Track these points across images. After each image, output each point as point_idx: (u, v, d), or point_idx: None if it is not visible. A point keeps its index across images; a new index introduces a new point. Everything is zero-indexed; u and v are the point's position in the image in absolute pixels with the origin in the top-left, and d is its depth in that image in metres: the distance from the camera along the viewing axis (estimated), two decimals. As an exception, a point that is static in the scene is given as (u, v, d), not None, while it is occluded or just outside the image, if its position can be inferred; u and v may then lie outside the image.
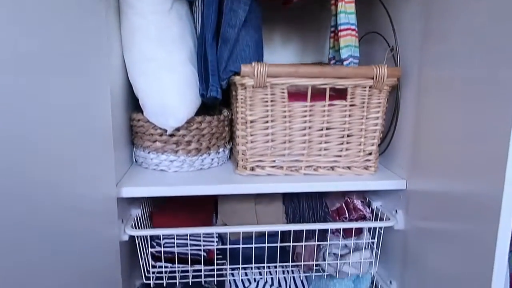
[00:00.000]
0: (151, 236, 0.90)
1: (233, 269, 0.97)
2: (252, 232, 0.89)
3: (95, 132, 0.70)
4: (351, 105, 0.86)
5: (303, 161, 0.88)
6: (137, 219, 0.89)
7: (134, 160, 0.97)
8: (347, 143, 0.88)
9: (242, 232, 0.89)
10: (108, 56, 0.77)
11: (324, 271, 0.94)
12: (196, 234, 0.90)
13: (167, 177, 0.88)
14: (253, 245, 0.88)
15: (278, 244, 0.89)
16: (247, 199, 0.96)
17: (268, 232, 0.89)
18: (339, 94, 0.87)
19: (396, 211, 0.90)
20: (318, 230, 0.89)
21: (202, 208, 0.99)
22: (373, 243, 0.95)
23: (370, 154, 0.89)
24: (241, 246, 0.88)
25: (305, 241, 0.90)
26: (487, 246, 0.61)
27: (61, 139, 0.56)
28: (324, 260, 0.93)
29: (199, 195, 0.82)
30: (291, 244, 0.90)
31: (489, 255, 0.61)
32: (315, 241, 0.91)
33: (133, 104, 0.93)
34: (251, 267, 0.93)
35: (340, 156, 0.89)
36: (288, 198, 0.98)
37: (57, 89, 0.55)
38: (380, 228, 0.92)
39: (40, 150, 0.51)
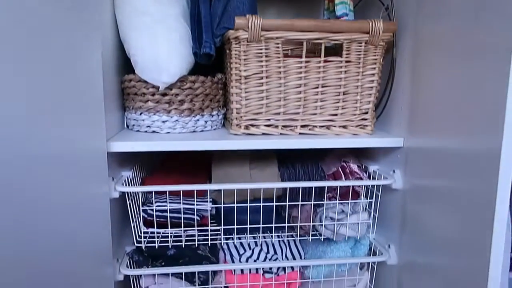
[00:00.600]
0: (142, 198, 0.87)
1: (227, 235, 0.94)
2: (247, 196, 0.87)
3: (85, 89, 0.68)
4: (346, 62, 0.85)
5: (299, 120, 0.87)
6: (128, 181, 0.87)
7: (125, 125, 0.95)
8: (343, 101, 0.87)
9: (236, 196, 0.87)
10: (99, 12, 0.76)
11: (321, 234, 0.91)
12: (189, 198, 0.87)
13: (159, 137, 0.85)
14: (248, 204, 0.86)
15: (274, 204, 0.87)
16: (241, 164, 0.94)
17: (263, 197, 0.87)
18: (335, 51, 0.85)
19: (394, 171, 0.89)
20: (315, 194, 0.87)
21: (195, 174, 0.97)
22: (370, 205, 0.93)
23: (366, 113, 0.88)
24: (235, 205, 0.85)
25: (302, 202, 0.88)
26: (486, 203, 0.60)
27: (50, 94, 0.55)
28: (321, 223, 0.91)
29: (192, 152, 0.80)
30: (286, 203, 0.87)
31: (488, 213, 0.60)
32: (311, 203, 0.88)
33: (125, 69, 0.91)
34: (246, 232, 0.90)
35: (336, 115, 0.87)
36: (283, 164, 0.96)
37: (46, 46, 0.54)
38: (378, 189, 0.90)
39: (30, 104, 0.50)
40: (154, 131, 0.89)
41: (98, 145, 0.73)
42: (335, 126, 0.88)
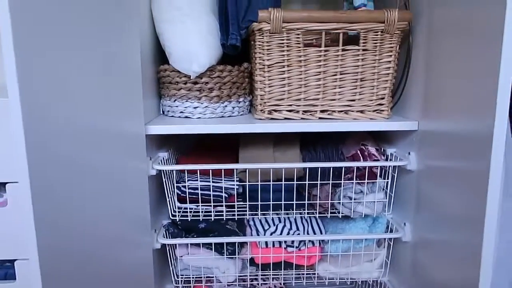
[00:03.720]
0: (177, 176, 0.97)
1: (253, 210, 1.03)
2: (270, 176, 0.94)
3: (127, 78, 0.78)
4: (363, 50, 0.90)
5: (318, 105, 0.93)
6: (164, 162, 0.97)
7: (161, 111, 1.04)
8: (360, 87, 0.92)
9: (260, 176, 0.95)
10: (137, 7, 0.85)
11: (339, 212, 0.98)
12: (218, 177, 0.96)
13: (191, 122, 0.95)
14: (271, 183, 0.94)
15: (295, 182, 0.94)
16: (266, 146, 1.02)
17: (285, 177, 0.94)
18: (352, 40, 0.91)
19: (409, 153, 0.94)
20: (334, 175, 0.93)
21: (224, 155, 1.05)
22: (386, 184, 0.98)
23: (383, 98, 0.93)
24: (259, 183, 0.93)
25: (321, 181, 0.95)
26: (492, 183, 0.64)
27: (95, 84, 0.64)
28: (339, 201, 0.98)
29: (221, 137, 0.89)
30: (306, 182, 0.95)
31: (494, 191, 0.64)
32: (330, 183, 0.95)
33: (160, 60, 1.00)
34: (269, 210, 0.98)
35: (353, 100, 0.93)
36: (305, 147, 1.03)
37: (96, 37, 0.63)
38: (394, 170, 0.96)
39: (77, 94, 0.60)
40: (186, 117, 0.98)
41: (137, 128, 0.83)
42: (353, 111, 0.94)
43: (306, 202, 0.99)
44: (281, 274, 1.06)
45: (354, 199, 0.96)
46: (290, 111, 0.94)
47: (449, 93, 0.77)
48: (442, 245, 0.82)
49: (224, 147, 1.12)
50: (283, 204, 0.97)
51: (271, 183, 0.95)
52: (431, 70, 0.85)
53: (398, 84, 0.99)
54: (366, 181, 0.96)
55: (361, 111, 0.94)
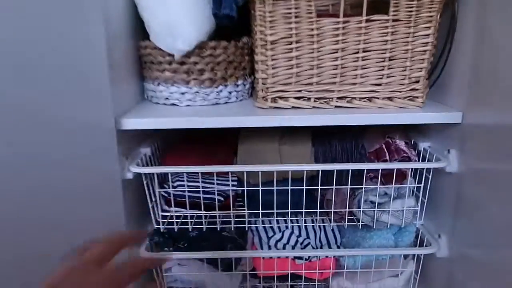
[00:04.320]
0: (160, 178, 0.81)
1: (254, 217, 0.86)
2: (274, 175, 0.78)
3: (82, 58, 0.61)
4: (394, 21, 0.70)
5: (335, 91, 0.74)
6: (146, 159, 0.80)
7: (146, 96, 0.87)
8: (389, 68, 0.73)
9: (264, 176, 0.78)
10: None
11: (358, 221, 0.81)
12: (212, 177, 0.79)
13: (178, 111, 0.77)
14: (274, 188, 0.77)
15: (304, 187, 0.76)
16: (270, 139, 0.84)
17: (293, 175, 0.77)
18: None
19: (448, 151, 0.75)
20: (352, 172, 0.76)
21: (221, 147, 0.89)
22: (418, 189, 0.80)
23: (417, 82, 0.74)
24: (260, 188, 0.76)
25: (336, 186, 0.77)
26: None
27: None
28: (359, 208, 0.80)
29: (213, 130, 0.72)
30: (319, 187, 0.77)
31: None
32: (348, 186, 0.77)
33: (143, 33, 0.82)
34: (273, 215, 0.81)
35: (379, 84, 0.74)
36: (318, 139, 0.85)
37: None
38: (428, 171, 0.77)
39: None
40: (173, 104, 0.81)
41: (104, 122, 0.66)
42: (378, 98, 0.75)
43: (318, 210, 0.81)
44: (287, 288, 0.91)
45: (378, 205, 0.79)
46: (299, 98, 0.75)
47: (510, 75, 0.58)
48: (489, 264, 0.65)
49: (221, 134, 0.94)
50: (289, 212, 0.80)
51: (274, 188, 0.77)
52: (483, 45, 0.65)
53: (436, 62, 0.78)
54: (393, 185, 0.77)
55: (389, 98, 0.75)
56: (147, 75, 0.83)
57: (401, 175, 0.80)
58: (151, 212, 0.79)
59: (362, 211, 0.79)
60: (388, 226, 0.80)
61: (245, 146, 0.85)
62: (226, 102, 0.82)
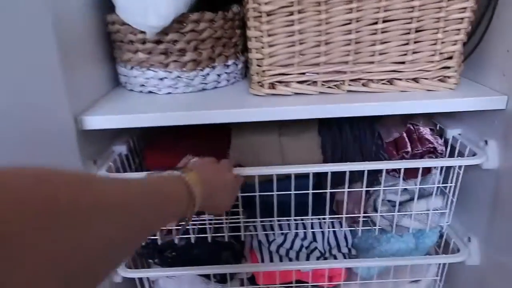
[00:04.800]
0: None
1: (250, 221, 0.73)
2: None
3: (25, 44, 0.46)
4: (423, -20, 0.55)
5: (347, 72, 0.60)
6: (121, 160, 0.67)
7: (120, 81, 0.73)
8: (415, 42, 0.58)
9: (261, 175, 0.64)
10: None
11: (375, 224, 0.69)
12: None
13: (155, 101, 0.63)
14: (275, 193, 0.64)
15: (310, 191, 0.64)
16: (268, 130, 0.71)
17: (295, 173, 0.64)
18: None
19: (486, 142, 0.62)
20: (368, 171, 0.63)
21: (210, 145, 0.75)
22: (446, 187, 0.67)
23: (451, 58, 0.59)
24: (257, 194, 0.64)
25: (349, 185, 0.65)
26: None
27: None
28: (376, 210, 0.68)
29: (200, 125, 0.58)
30: (328, 190, 0.64)
31: None
32: (362, 185, 0.65)
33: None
34: (274, 216, 0.69)
35: (403, 63, 0.60)
36: (326, 127, 0.72)
37: None
38: (460, 167, 0.64)
39: None
40: (150, 91, 0.67)
41: (60, 121, 0.53)
42: (401, 80, 0.61)
43: (327, 216, 0.69)
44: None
45: (399, 205, 0.66)
46: (303, 82, 0.61)
47: None
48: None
49: (211, 126, 0.80)
50: (293, 212, 0.67)
51: (275, 193, 0.64)
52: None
53: (471, 32, 0.63)
54: (418, 184, 0.64)
55: (414, 79, 0.61)
56: (117, 56, 0.68)
57: (425, 169, 0.67)
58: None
59: (380, 213, 0.67)
60: (410, 231, 0.68)
61: (239, 139, 0.71)
62: (215, 87, 0.68)
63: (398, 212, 0.66)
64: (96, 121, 0.56)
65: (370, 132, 0.70)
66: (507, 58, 0.57)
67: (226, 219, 0.68)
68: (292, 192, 0.63)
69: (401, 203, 0.68)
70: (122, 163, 0.67)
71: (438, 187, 0.68)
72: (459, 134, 0.68)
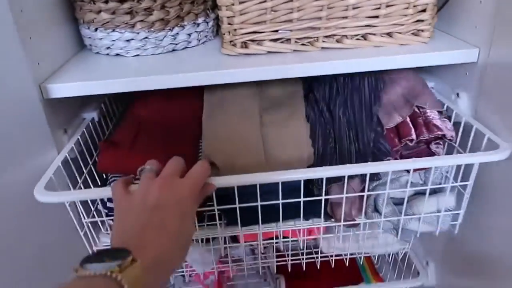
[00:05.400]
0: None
1: (231, 224, 0.62)
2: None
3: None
4: None
5: (321, 28, 0.59)
6: (94, 126, 0.66)
7: (85, 44, 0.69)
8: (389, -5, 0.57)
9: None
10: None
11: (378, 226, 0.62)
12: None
13: (123, 65, 0.61)
14: (259, 203, 0.55)
15: (301, 199, 0.56)
16: (246, 112, 0.64)
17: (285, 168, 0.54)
18: None
19: (457, 94, 0.63)
20: (364, 159, 0.57)
21: (187, 107, 0.70)
22: (455, 176, 0.59)
23: (424, 11, 0.58)
24: (237, 205, 0.55)
25: (347, 194, 0.56)
26: None
27: None
28: (377, 210, 0.60)
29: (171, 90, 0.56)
30: (323, 197, 0.55)
31: None
32: (360, 181, 0.57)
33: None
34: (259, 221, 0.58)
35: (376, 17, 0.58)
36: (316, 110, 0.64)
37: None
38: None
39: None
40: (117, 54, 0.64)
41: (23, 91, 0.51)
42: (375, 35, 0.60)
43: (322, 224, 0.62)
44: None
45: (402, 202, 0.59)
46: (276, 40, 0.59)
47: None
48: None
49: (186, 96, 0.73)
50: (281, 214, 0.57)
51: (259, 203, 0.55)
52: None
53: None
54: (429, 184, 0.57)
55: (388, 34, 0.60)
56: (79, 17, 0.64)
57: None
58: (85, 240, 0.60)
59: (384, 215, 0.60)
60: (417, 235, 0.62)
61: (211, 128, 0.62)
62: (186, 47, 0.66)
63: (403, 212, 0.59)
64: (61, 89, 0.54)
65: (367, 116, 0.62)
66: (479, 9, 0.56)
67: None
68: (280, 201, 0.55)
69: (410, 203, 0.60)
70: (95, 130, 0.65)
71: (447, 177, 0.60)
72: (432, 88, 0.69)
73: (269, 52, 0.60)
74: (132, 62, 0.61)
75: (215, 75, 0.56)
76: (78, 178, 0.59)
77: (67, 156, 0.56)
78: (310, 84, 0.69)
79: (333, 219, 0.62)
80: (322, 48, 0.60)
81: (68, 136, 0.59)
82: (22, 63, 0.49)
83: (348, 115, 0.62)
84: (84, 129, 0.62)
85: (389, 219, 0.60)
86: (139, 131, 0.63)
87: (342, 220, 0.59)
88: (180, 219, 0.39)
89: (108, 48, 0.63)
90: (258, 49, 0.59)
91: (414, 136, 0.58)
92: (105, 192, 0.48)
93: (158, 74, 0.55)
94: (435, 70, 0.69)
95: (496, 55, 0.54)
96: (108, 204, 0.58)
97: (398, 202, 0.60)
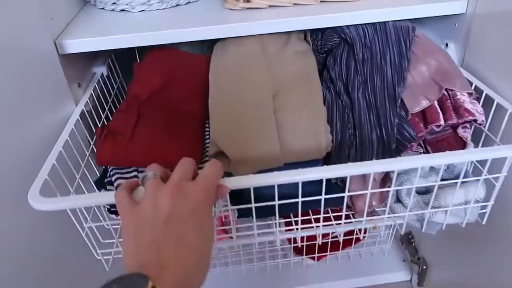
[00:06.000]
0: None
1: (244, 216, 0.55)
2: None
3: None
4: None
5: (319, -18, 0.61)
6: (104, 81, 0.69)
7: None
8: None
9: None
10: None
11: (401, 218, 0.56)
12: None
13: (129, 20, 0.63)
14: (276, 202, 0.48)
15: (322, 197, 0.49)
16: (257, 96, 0.57)
17: (299, 158, 0.53)
18: None
19: (446, 45, 0.67)
20: (389, 150, 0.53)
21: (196, 62, 0.66)
22: (482, 163, 0.52)
23: (418, -37, 0.60)
24: (253, 205, 0.49)
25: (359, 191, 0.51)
26: None
27: None
28: (400, 200, 0.54)
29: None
30: (346, 194, 0.50)
31: None
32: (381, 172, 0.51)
33: None
34: (275, 212, 0.50)
35: (372, -30, 0.61)
36: (332, 91, 0.59)
37: None
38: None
39: None
40: (123, 10, 0.66)
41: (41, 47, 0.53)
42: (371, -13, 0.62)
43: (343, 221, 0.55)
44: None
45: (427, 191, 0.54)
46: (276, -6, 0.62)
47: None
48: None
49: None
50: (300, 205, 0.50)
51: (276, 202, 0.48)
52: None
53: None
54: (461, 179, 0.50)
55: (384, -14, 0.62)
56: (84, -27, 0.66)
57: (460, 143, 0.54)
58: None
59: (408, 209, 0.53)
60: (443, 228, 0.56)
61: (217, 89, 0.59)
62: (189, 2, 0.68)
63: (430, 205, 0.52)
64: (75, 45, 0.57)
65: (390, 99, 0.55)
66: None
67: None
68: (300, 199, 0.48)
69: (430, 191, 0.53)
70: (105, 84, 0.69)
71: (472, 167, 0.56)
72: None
73: (270, 6, 0.63)
74: (139, 18, 0.64)
75: (219, 30, 0.59)
76: (86, 151, 0.57)
77: (83, 108, 0.60)
78: (324, 62, 0.64)
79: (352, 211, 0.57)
80: (321, 1, 0.63)
81: (82, 89, 0.62)
82: (37, 19, 0.52)
83: (368, 98, 0.56)
84: (96, 83, 0.65)
85: (415, 213, 0.53)
86: (139, 117, 0.55)
87: (364, 215, 0.53)
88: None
89: (113, 3, 0.65)
90: (260, 2, 0.62)
91: (442, 122, 0.52)
92: (107, 198, 0.42)
93: (167, 29, 0.58)
94: (426, 21, 0.72)
95: (484, 6, 0.58)
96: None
97: (421, 191, 0.55)
